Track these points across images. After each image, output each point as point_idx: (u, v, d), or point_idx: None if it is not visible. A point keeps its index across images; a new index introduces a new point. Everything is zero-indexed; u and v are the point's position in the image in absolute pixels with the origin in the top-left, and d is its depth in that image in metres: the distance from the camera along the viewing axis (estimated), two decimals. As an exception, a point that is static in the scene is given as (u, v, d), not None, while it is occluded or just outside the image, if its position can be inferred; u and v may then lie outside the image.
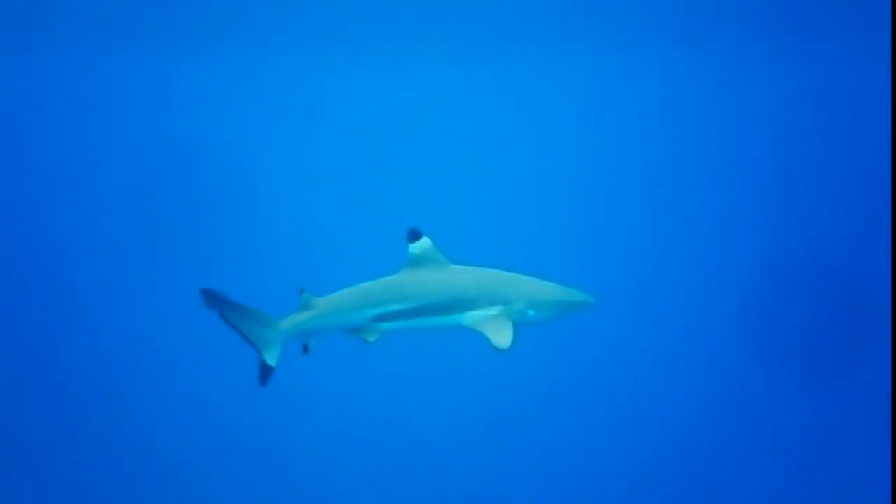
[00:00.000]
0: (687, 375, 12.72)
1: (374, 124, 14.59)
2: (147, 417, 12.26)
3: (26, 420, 12.27)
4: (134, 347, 12.77)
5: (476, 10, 12.47)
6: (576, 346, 12.59)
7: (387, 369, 11.55)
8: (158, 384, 12.51)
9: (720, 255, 13.41)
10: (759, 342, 12.75)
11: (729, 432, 12.33)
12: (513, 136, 14.85)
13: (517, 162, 14.64)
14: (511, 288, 7.01)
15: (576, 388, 12.36)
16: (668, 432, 12.29)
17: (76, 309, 13.12)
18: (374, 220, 11.62)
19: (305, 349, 7.06)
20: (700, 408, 12.41)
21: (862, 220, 13.30)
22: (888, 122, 12.35)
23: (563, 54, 14.04)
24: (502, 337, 6.68)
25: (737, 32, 13.23)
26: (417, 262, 7.06)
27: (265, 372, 6.91)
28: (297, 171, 14.03)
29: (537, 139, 14.85)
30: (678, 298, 13.24)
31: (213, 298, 6.73)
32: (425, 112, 14.61)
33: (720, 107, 14.28)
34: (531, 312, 6.98)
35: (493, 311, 6.90)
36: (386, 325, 6.99)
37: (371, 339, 7.02)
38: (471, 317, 6.93)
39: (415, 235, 7.05)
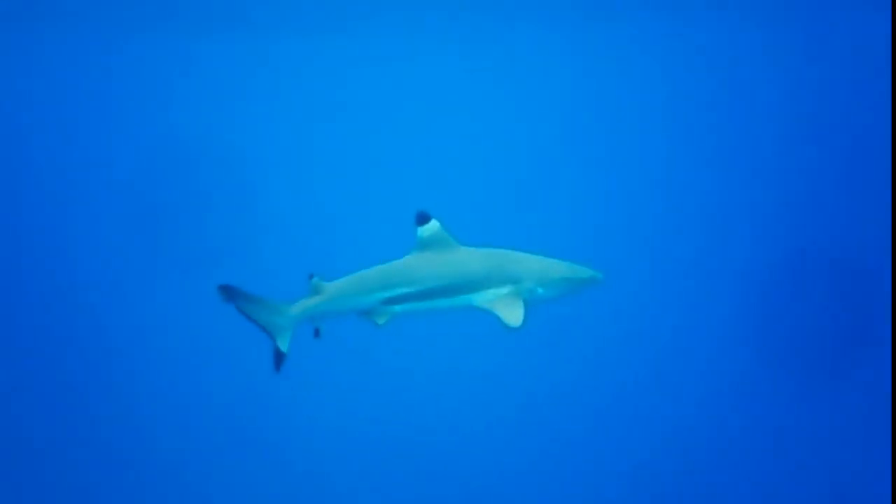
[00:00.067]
0: (686, 375, 12.73)
1: (376, 110, 14.60)
2: (149, 413, 12.25)
3: (28, 419, 12.21)
4: (137, 341, 12.76)
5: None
6: (575, 344, 12.62)
7: (390, 362, 11.59)
8: (161, 380, 12.49)
9: (719, 254, 13.42)
10: (759, 341, 12.75)
11: (728, 432, 12.32)
12: (516, 117, 14.84)
13: (521, 142, 14.64)
14: (521, 267, 7.09)
15: (576, 387, 12.36)
16: (667, 432, 12.28)
17: (77, 302, 13.09)
18: (380, 206, 11.64)
19: (317, 333, 7.14)
20: (700, 407, 12.41)
21: (862, 219, 13.33)
22: (888, 121, 12.42)
23: (569, 30, 14.06)
24: (514, 315, 6.76)
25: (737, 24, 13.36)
26: (427, 244, 7.14)
27: (278, 357, 7.01)
28: (301, 160, 14.05)
29: (540, 119, 14.84)
30: (678, 298, 13.25)
31: (228, 293, 6.87)
32: (426, 95, 14.64)
33: (719, 105, 14.34)
34: (541, 290, 7.06)
35: (504, 290, 6.99)
36: (396, 308, 7.07)
37: (381, 321, 7.10)
38: (481, 297, 7.01)
39: (423, 218, 7.12)
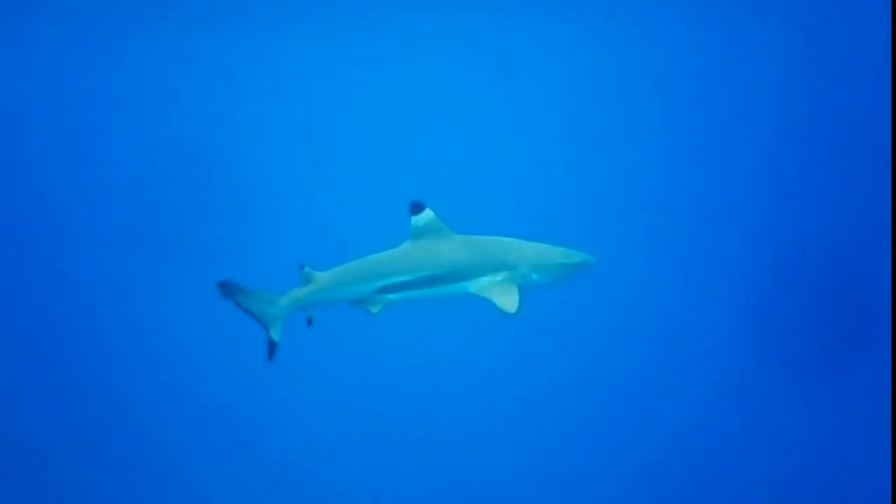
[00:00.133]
0: (686, 375, 12.70)
1: (367, 104, 14.60)
2: (147, 407, 12.27)
3: (28, 418, 12.26)
4: (136, 338, 12.78)
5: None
6: (573, 342, 12.64)
7: (386, 352, 11.61)
8: (159, 376, 12.52)
9: (719, 253, 13.41)
10: (759, 341, 12.74)
11: (728, 432, 12.29)
12: (506, 106, 14.83)
13: (513, 133, 14.63)
14: (515, 253, 7.16)
15: (573, 384, 12.37)
16: (666, 432, 12.26)
17: (75, 298, 13.14)
18: (374, 198, 11.66)
19: (310, 322, 7.27)
20: (699, 408, 12.38)
21: (862, 219, 13.32)
22: (888, 121, 12.43)
23: (560, 19, 14.08)
24: (509, 302, 6.83)
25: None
26: (421, 233, 7.22)
27: (271, 347, 7.16)
28: (294, 155, 14.07)
29: (533, 109, 14.83)
30: (678, 298, 13.25)
31: (225, 288, 7.05)
32: (417, 88, 14.64)
33: (719, 104, 14.35)
34: (535, 276, 7.13)
35: (499, 277, 7.06)
36: (391, 297, 7.16)
37: (374, 310, 7.18)
38: (477, 284, 7.08)
39: (417, 208, 7.20)
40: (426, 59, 14.59)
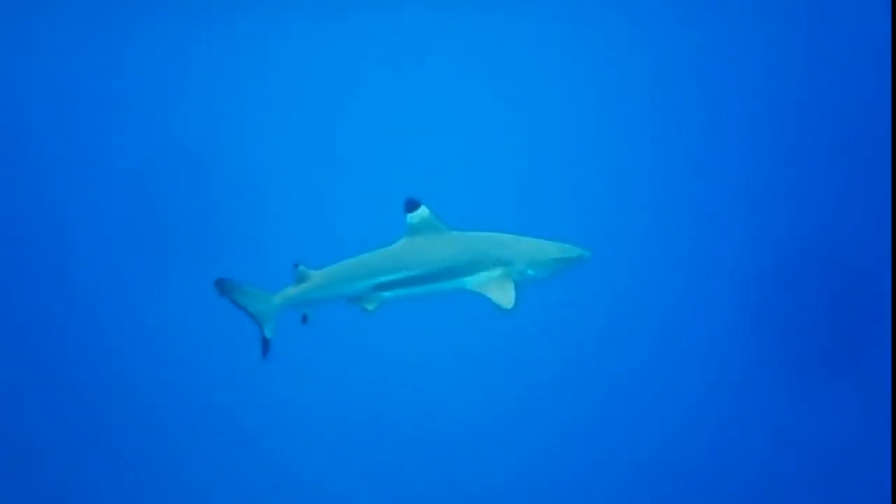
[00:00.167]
0: (686, 375, 12.70)
1: (358, 104, 14.59)
2: (147, 408, 12.31)
3: (28, 417, 12.31)
4: (135, 336, 12.82)
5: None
6: (571, 340, 12.65)
7: (383, 349, 11.64)
8: (159, 375, 12.56)
9: (719, 253, 13.40)
10: (759, 341, 12.74)
11: (727, 432, 12.29)
12: (498, 102, 14.78)
13: (504, 127, 14.60)
14: (510, 249, 7.21)
15: (570, 382, 12.39)
16: (666, 431, 12.26)
17: (73, 295, 13.18)
18: (370, 198, 11.64)
19: (304, 319, 7.35)
20: (698, 408, 12.38)
21: (862, 219, 13.31)
22: (888, 121, 12.42)
23: (552, 11, 14.07)
24: (506, 297, 6.89)
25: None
26: (417, 230, 7.26)
27: (264, 344, 7.28)
28: (288, 155, 14.06)
29: (524, 102, 14.79)
30: (678, 297, 13.25)
31: (221, 286, 7.18)
32: (409, 89, 14.62)
33: (719, 103, 14.33)
34: (531, 271, 7.19)
35: (495, 273, 7.11)
36: (388, 294, 7.21)
37: (370, 307, 7.22)
38: (473, 280, 7.14)
39: (412, 205, 7.25)
40: (419, 57, 14.56)
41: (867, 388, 12.13)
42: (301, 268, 7.30)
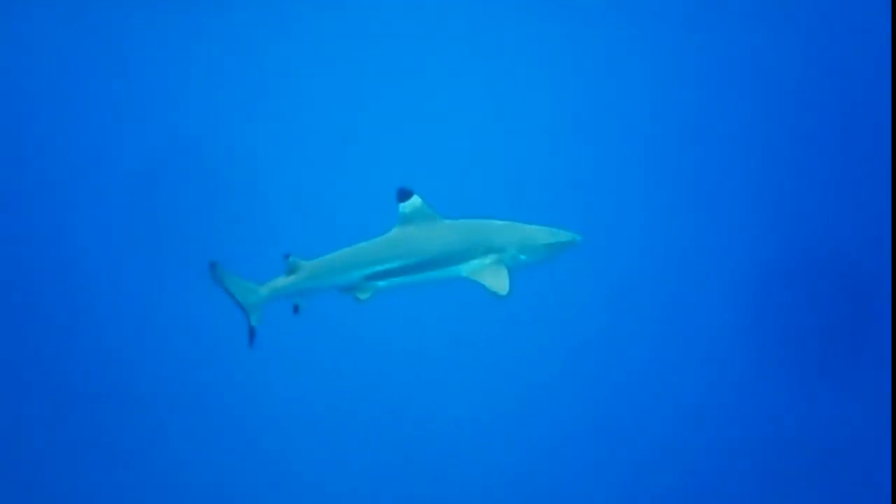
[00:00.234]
0: (686, 375, 12.67)
1: (348, 97, 14.59)
2: (146, 404, 12.36)
3: (28, 416, 12.39)
4: (133, 331, 12.87)
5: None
6: (574, 341, 12.65)
7: (377, 344, 11.69)
8: (160, 371, 12.61)
9: (719, 253, 13.38)
10: (759, 341, 12.72)
11: (727, 432, 12.27)
12: (488, 92, 14.74)
13: (495, 117, 14.56)
14: (502, 235, 7.28)
15: (572, 381, 12.38)
16: (665, 431, 12.25)
17: (71, 292, 13.25)
18: (361, 190, 11.64)
19: (296, 310, 7.41)
20: (698, 408, 12.35)
21: (862, 219, 13.29)
22: (888, 120, 12.42)
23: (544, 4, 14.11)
24: (500, 284, 6.97)
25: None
26: (409, 219, 7.34)
27: (250, 333, 7.35)
28: (280, 150, 14.06)
29: (514, 92, 14.76)
30: (677, 297, 13.24)
31: (214, 271, 7.27)
32: (399, 78, 14.58)
33: (719, 102, 14.32)
34: (523, 257, 7.26)
35: (488, 259, 7.18)
36: (381, 283, 7.25)
37: (363, 297, 7.26)
38: (466, 267, 7.20)
39: (405, 195, 7.32)
40: (406, 47, 14.54)
41: (867, 388, 12.09)
42: (292, 258, 7.35)
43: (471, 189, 10.80)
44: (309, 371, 12.20)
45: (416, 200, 7.30)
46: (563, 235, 7.39)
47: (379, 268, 7.22)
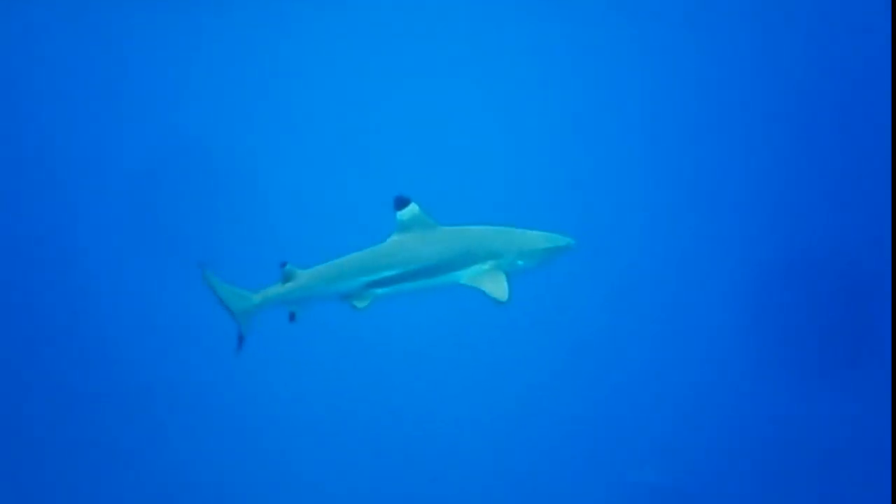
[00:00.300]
0: (686, 375, 12.70)
1: (342, 105, 14.55)
2: (147, 407, 12.39)
3: (28, 416, 12.41)
4: (133, 332, 12.89)
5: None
6: (573, 341, 12.65)
7: (379, 348, 11.69)
8: (158, 373, 12.64)
9: (719, 253, 13.37)
10: (759, 341, 12.73)
11: (727, 432, 12.30)
12: (483, 97, 14.70)
13: (490, 123, 14.54)
14: (500, 241, 7.27)
15: (571, 382, 12.40)
16: (665, 431, 12.28)
17: (70, 291, 13.26)
18: (359, 199, 11.64)
19: (292, 317, 7.34)
20: (698, 409, 12.39)
21: (862, 219, 13.26)
22: (888, 120, 12.38)
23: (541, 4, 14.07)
24: (500, 290, 6.96)
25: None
26: (407, 227, 7.31)
27: (239, 340, 7.31)
28: (277, 156, 14.04)
29: (510, 97, 14.72)
30: (677, 297, 13.24)
31: (206, 276, 7.24)
32: (396, 84, 14.55)
33: (719, 101, 14.28)
34: (521, 262, 7.26)
35: (486, 266, 7.18)
36: (380, 291, 7.22)
37: (361, 305, 7.21)
38: (465, 274, 7.19)
39: (402, 203, 7.30)
40: (403, 53, 14.50)
41: (867, 388, 12.10)
42: (288, 267, 7.31)
43: (466, 195, 10.79)
44: (309, 371, 12.22)
45: (413, 208, 7.27)
46: (560, 240, 7.38)
47: (377, 276, 7.17)
